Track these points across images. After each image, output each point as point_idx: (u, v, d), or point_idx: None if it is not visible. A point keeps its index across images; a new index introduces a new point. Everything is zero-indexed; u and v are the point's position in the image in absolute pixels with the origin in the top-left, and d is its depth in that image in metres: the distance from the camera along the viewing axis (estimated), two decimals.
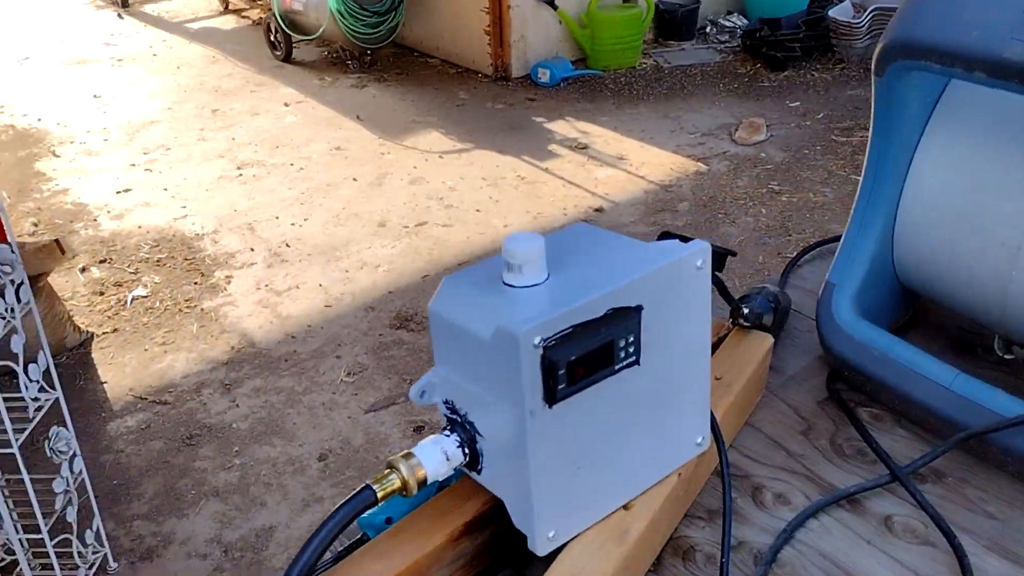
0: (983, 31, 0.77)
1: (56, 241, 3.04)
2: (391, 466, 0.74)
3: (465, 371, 0.74)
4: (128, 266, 3.71)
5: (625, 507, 0.79)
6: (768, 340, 1.00)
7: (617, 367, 0.73)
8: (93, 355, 3.15)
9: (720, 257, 0.87)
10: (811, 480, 0.92)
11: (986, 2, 0.79)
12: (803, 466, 0.94)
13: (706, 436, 0.84)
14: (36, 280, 3.05)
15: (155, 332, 3.25)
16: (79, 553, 2.11)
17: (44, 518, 1.98)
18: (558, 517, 0.74)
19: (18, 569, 2.04)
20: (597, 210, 4.00)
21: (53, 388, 1.97)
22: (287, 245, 3.79)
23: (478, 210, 4.02)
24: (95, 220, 4.12)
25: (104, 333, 3.26)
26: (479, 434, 0.75)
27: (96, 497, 2.34)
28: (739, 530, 0.87)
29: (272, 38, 6.25)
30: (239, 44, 6.65)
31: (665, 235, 0.82)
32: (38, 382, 1.91)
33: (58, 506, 2.03)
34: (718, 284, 0.93)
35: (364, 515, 0.86)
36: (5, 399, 1.85)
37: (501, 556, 0.82)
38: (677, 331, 0.77)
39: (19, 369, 1.85)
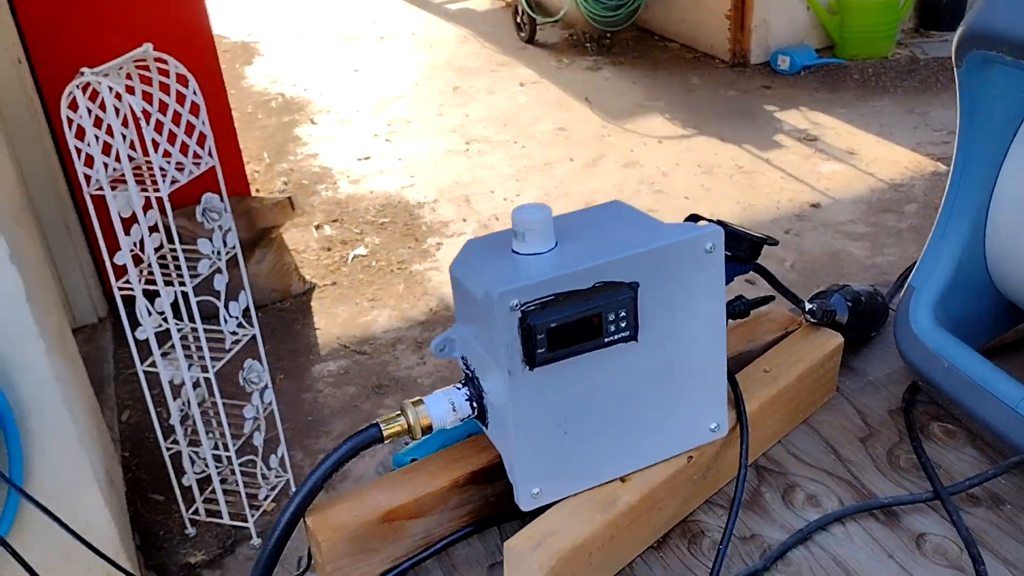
0: None
1: (289, 199, 3.39)
2: (402, 410, 0.81)
3: (472, 330, 0.79)
4: (355, 227, 4.04)
5: (622, 479, 0.81)
6: (836, 340, 0.96)
7: (607, 340, 0.75)
8: (312, 304, 3.48)
9: (755, 246, 0.85)
10: (852, 487, 0.88)
11: None
12: (849, 472, 0.90)
13: (722, 423, 0.83)
14: (270, 231, 3.43)
15: (367, 288, 3.53)
16: (263, 475, 2.37)
17: (233, 439, 2.24)
18: (542, 476, 0.78)
19: (211, 487, 2.33)
20: (813, 205, 3.82)
21: (251, 326, 2.23)
22: (496, 218, 3.96)
23: (686, 197, 3.97)
24: (335, 183, 4.51)
25: (325, 285, 3.59)
26: (484, 390, 0.80)
27: (289, 429, 2.61)
28: (757, 524, 0.86)
29: (518, 19, 6.48)
30: (489, 25, 6.94)
31: (692, 217, 0.82)
32: (237, 318, 2.17)
33: (247, 430, 2.29)
34: (763, 274, 0.90)
35: (396, 454, 0.94)
36: (207, 330, 2.12)
37: (510, 512, 0.87)
38: (683, 313, 0.77)
39: (220, 305, 2.11)
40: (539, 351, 0.73)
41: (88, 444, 1.93)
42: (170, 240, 2.13)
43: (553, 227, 0.78)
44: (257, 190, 4.49)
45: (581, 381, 0.76)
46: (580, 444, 0.78)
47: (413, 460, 0.89)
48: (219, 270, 2.09)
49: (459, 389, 0.82)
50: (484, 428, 0.83)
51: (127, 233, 1.99)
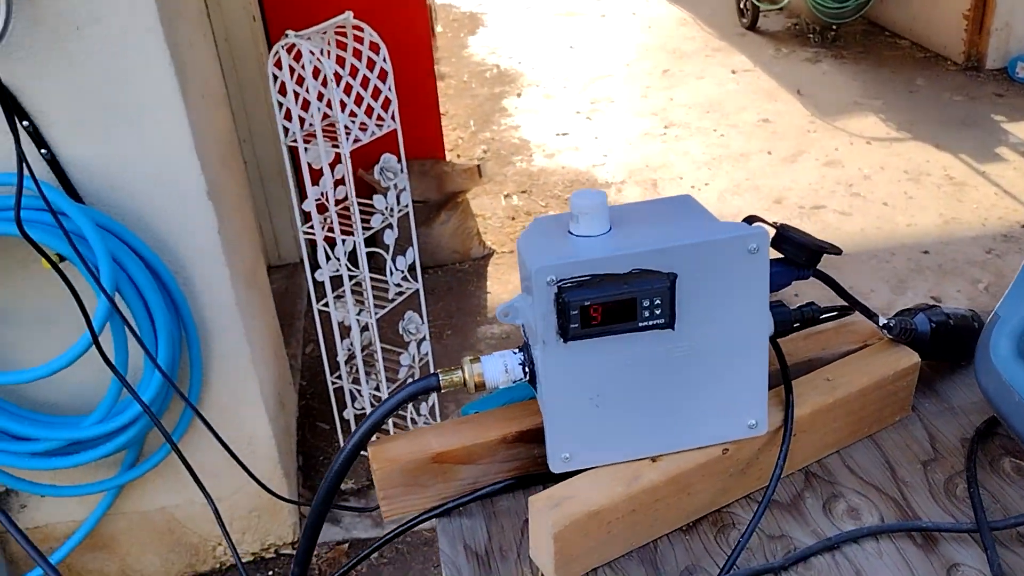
0: None
1: (478, 166, 3.55)
2: (460, 365, 0.89)
3: (527, 300, 0.86)
4: (542, 200, 4.16)
5: (653, 460, 0.85)
6: (911, 358, 0.94)
7: (641, 324, 0.79)
8: (489, 268, 3.64)
9: (814, 253, 0.85)
10: (898, 506, 0.88)
11: None
12: (899, 492, 0.89)
13: (761, 422, 0.85)
14: (457, 196, 3.61)
15: None
16: (412, 420, 2.55)
17: (389, 383, 2.43)
18: (572, 443, 0.83)
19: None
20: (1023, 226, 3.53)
21: (415, 281, 2.39)
22: None
23: (885, 203, 3.78)
24: (530, 156, 4.65)
25: (503, 252, 3.73)
26: (533, 357, 0.87)
27: None
28: (790, 525, 0.87)
29: (741, 5, 6.32)
30: (712, 8, 6.82)
31: (750, 219, 0.84)
32: (403, 272, 2.33)
33: (402, 375, 2.47)
34: (828, 282, 0.90)
35: (464, 406, 1.02)
36: (374, 280, 2.30)
37: (554, 473, 0.93)
38: (723, 308, 0.80)
39: (388, 258, 2.28)
40: (572, 326, 0.78)
41: (260, 367, 2.16)
42: (355, 194, 2.32)
43: (608, 213, 0.83)
44: (458, 156, 4.71)
45: (615, 359, 0.81)
46: (611, 418, 0.83)
47: (476, 412, 0.97)
48: (390, 226, 2.26)
49: (515, 354, 0.89)
50: (536, 392, 0.90)
51: (314, 184, 2.19)
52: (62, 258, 1.71)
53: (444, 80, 5.89)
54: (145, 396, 1.84)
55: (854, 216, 3.68)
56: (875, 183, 3.93)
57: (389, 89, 2.16)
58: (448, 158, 4.74)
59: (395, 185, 2.24)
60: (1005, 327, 0.90)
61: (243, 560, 2.32)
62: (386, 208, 2.23)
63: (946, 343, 0.98)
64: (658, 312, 0.79)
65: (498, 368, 0.88)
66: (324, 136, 2.12)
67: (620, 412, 0.83)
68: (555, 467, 0.84)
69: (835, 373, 0.93)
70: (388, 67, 2.14)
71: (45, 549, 2.19)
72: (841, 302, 0.97)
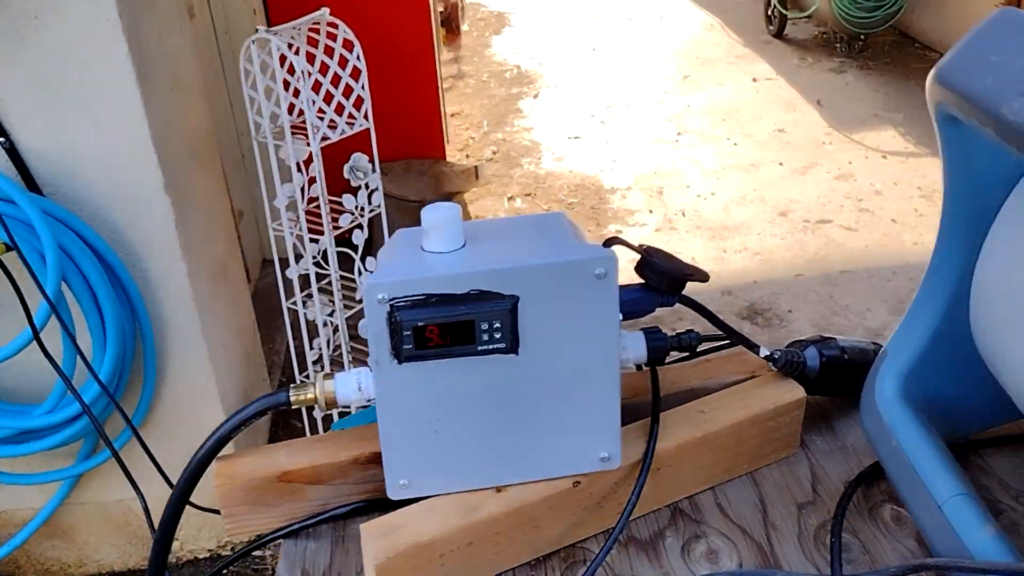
0: (996, 78, 0.62)
1: (475, 168, 3.52)
2: (313, 381, 0.86)
3: None
4: (545, 203, 4.11)
5: (497, 490, 0.81)
6: (795, 393, 0.89)
7: (480, 348, 0.75)
8: None
9: (677, 281, 0.81)
10: (760, 552, 0.82)
11: (1017, 42, 0.62)
12: (766, 536, 0.84)
13: (614, 455, 0.80)
14: (454, 196, 3.57)
15: None
16: None
17: None
18: (411, 470, 0.79)
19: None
20: None
21: None
22: (683, 214, 3.87)
23: (894, 220, 3.68)
24: (539, 158, 4.61)
25: None
26: None
27: None
28: (642, 565, 0.82)
29: (768, 12, 6.22)
30: (740, 14, 6.72)
31: (610, 241, 0.79)
32: (371, 272, 2.30)
33: None
34: (698, 309, 0.85)
35: (335, 422, 0.99)
36: (343, 279, 2.28)
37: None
38: (570, 335, 0.76)
39: (356, 257, 2.25)
40: (406, 347, 0.74)
41: (220, 362, 2.15)
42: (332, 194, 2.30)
43: (461, 229, 0.79)
44: (467, 156, 4.69)
45: (454, 384, 0.77)
46: (452, 445, 0.79)
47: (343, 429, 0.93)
48: (360, 226, 2.23)
49: (371, 371, 0.85)
50: None
51: (283, 182, 2.17)
52: (9, 248, 1.71)
53: (463, 79, 5.87)
54: (92, 390, 1.83)
55: (860, 232, 3.58)
56: (886, 199, 3.84)
57: (363, 87, 2.13)
58: (457, 158, 4.72)
59: (366, 185, 2.21)
60: (892, 365, 0.85)
61: (199, 556, 2.31)
62: (356, 208, 2.20)
63: (839, 378, 0.93)
64: (498, 336, 0.75)
65: (351, 386, 0.84)
66: (294, 133, 2.10)
67: (461, 439, 0.79)
68: (392, 494, 0.81)
69: (710, 405, 0.89)
70: (362, 65, 2.12)
71: (3, 535, 2.19)
72: (739, 329, 0.92)
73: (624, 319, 0.80)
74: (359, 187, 2.21)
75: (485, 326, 0.74)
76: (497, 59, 6.26)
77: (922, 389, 0.84)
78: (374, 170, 2.21)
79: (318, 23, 2.12)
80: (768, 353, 0.89)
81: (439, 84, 3.59)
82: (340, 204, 2.20)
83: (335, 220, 2.20)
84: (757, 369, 0.94)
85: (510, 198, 4.17)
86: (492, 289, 0.74)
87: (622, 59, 5.96)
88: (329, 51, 2.09)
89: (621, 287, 0.80)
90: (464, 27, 6.94)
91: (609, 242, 0.80)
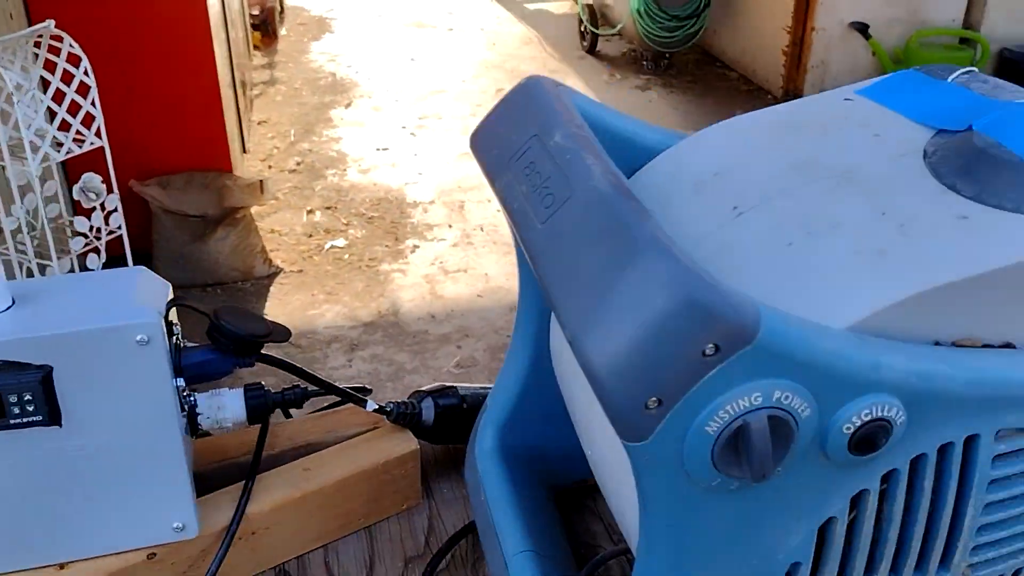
0: (500, 150, 0.62)
1: (261, 182, 3.41)
2: None
3: None
4: (344, 217, 4.04)
5: (61, 566, 0.75)
6: (409, 445, 0.88)
7: (13, 421, 0.69)
8: (271, 288, 3.50)
9: (247, 344, 0.78)
10: None
11: (515, 119, 0.62)
12: None
13: (189, 524, 0.77)
14: (237, 211, 3.45)
15: (329, 281, 3.53)
16: None
17: None
18: None
19: None
20: None
21: None
22: (481, 229, 3.90)
23: None
24: (345, 171, 4.53)
25: (291, 271, 3.60)
26: None
27: None
28: None
29: (581, 28, 6.37)
30: (559, 30, 6.85)
31: (173, 302, 0.76)
32: None
33: None
34: (284, 367, 0.83)
35: None
36: None
37: None
38: (119, 403, 0.71)
39: None
40: None
41: None
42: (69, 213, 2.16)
43: (8, 287, 0.73)
44: (270, 167, 4.55)
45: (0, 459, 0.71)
46: (14, 523, 0.73)
47: None
48: (96, 250, 2.10)
49: None
50: None
51: (14, 202, 2.02)
52: None
53: (275, 86, 5.71)
54: None
55: None
56: None
57: (92, 104, 2.01)
58: (259, 168, 4.58)
59: (102, 206, 2.09)
60: (491, 417, 0.85)
61: None
62: (91, 229, 2.07)
63: (460, 426, 0.92)
64: (31, 408, 0.69)
65: None
66: (13, 155, 1.95)
67: (12, 516, 0.73)
68: None
69: (316, 463, 0.86)
70: (91, 81, 1.99)
71: None
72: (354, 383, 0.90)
73: (194, 382, 0.76)
74: (92, 208, 2.08)
75: (14, 398, 0.69)
76: (313, 66, 6.12)
77: (520, 440, 0.84)
78: (110, 190, 2.09)
79: (41, 36, 1.99)
80: (378, 407, 0.87)
81: (220, 92, 3.45)
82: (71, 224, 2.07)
83: (63, 246, 2.07)
84: (379, 421, 0.93)
85: (309, 211, 4.08)
86: (21, 359, 0.69)
87: (439, 70, 5.96)
88: (50, 65, 1.96)
89: (190, 349, 0.76)
90: (282, 31, 6.76)
91: (172, 304, 0.76)
